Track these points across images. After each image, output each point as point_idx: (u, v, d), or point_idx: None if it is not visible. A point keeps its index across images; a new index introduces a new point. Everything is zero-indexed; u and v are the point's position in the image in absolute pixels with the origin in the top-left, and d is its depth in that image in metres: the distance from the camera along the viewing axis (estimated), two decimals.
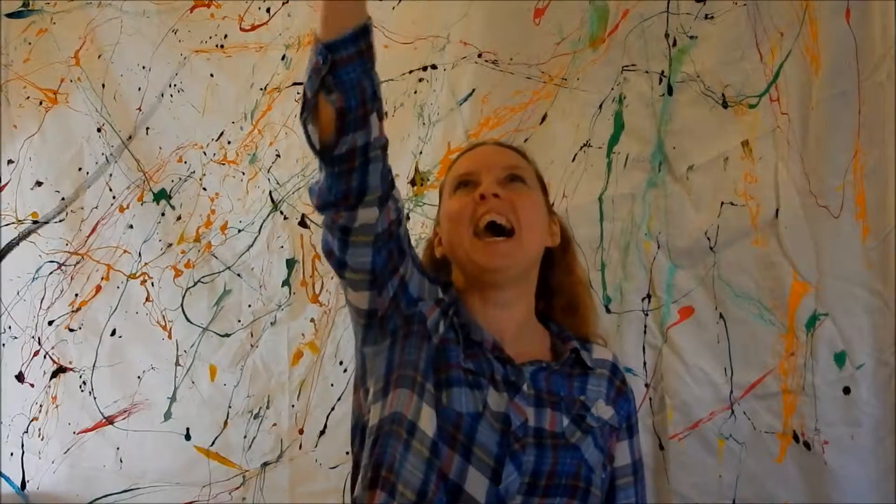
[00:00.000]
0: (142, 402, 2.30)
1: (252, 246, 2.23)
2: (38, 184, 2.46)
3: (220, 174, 2.28)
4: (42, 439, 2.39)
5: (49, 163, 2.46)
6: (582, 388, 1.14)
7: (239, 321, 2.22)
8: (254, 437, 2.17)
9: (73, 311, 2.40)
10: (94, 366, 2.36)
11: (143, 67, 2.37)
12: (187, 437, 2.24)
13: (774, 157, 1.78)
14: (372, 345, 1.10)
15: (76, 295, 2.40)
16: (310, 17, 2.21)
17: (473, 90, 2.02)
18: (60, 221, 2.43)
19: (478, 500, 1.01)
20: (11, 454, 2.41)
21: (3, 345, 2.45)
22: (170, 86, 2.35)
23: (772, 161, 1.78)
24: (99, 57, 2.42)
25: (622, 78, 1.91)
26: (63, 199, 2.43)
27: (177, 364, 2.27)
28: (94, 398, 2.35)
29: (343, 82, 0.96)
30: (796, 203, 1.75)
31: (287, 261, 2.19)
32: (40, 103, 2.48)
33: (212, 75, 2.30)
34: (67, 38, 2.46)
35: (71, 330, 2.40)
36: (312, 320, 2.15)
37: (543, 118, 1.96)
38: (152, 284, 2.32)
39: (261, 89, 2.25)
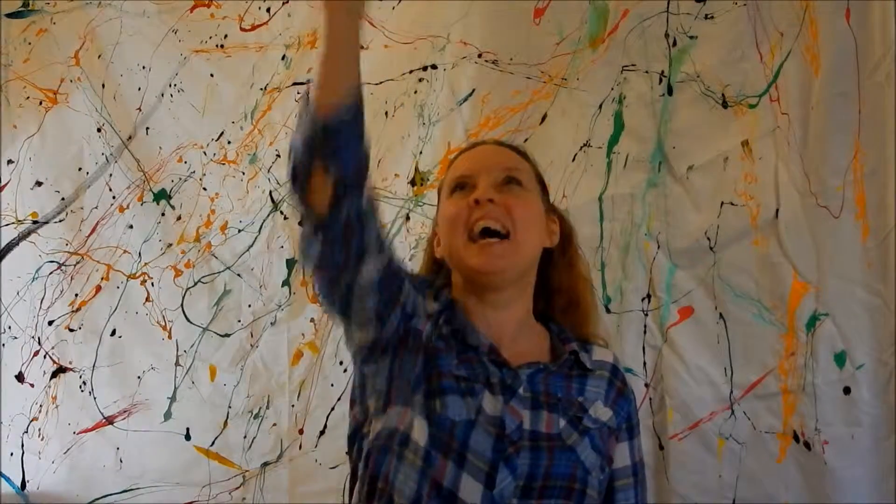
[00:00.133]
0: (142, 402, 2.30)
1: (252, 246, 2.23)
2: (38, 184, 2.46)
3: (221, 174, 2.28)
4: (42, 439, 2.38)
5: (49, 163, 2.46)
6: (581, 389, 1.14)
7: (239, 321, 2.22)
8: (254, 437, 2.17)
9: (73, 312, 2.40)
10: (94, 366, 2.36)
11: (143, 67, 2.37)
12: (187, 437, 2.24)
13: (774, 157, 1.78)
14: (373, 364, 1.10)
15: (76, 295, 2.40)
16: (310, 17, 2.21)
17: (473, 90, 2.02)
18: (60, 221, 2.43)
19: None
20: (11, 454, 2.41)
21: (3, 345, 2.45)
22: (170, 86, 2.35)
23: (772, 161, 1.78)
24: (99, 57, 2.42)
25: (622, 78, 1.91)
26: (63, 199, 2.43)
27: (177, 364, 2.27)
28: (94, 398, 2.35)
29: (342, 155, 0.94)
30: (796, 203, 1.75)
31: (287, 261, 2.19)
32: (40, 103, 2.48)
33: (212, 75, 2.30)
34: (67, 38, 2.46)
35: (71, 330, 2.39)
36: (312, 320, 2.15)
37: (543, 118, 1.96)
38: (152, 284, 2.32)
39: (261, 89, 2.25)
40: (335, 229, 0.96)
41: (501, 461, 1.03)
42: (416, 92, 2.09)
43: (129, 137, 2.38)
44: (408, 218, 2.06)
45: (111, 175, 2.39)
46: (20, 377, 2.42)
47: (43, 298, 2.43)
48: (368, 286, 1.00)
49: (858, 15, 1.72)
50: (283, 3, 2.25)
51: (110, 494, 2.29)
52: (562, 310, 1.23)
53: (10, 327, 2.45)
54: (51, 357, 2.40)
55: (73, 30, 2.45)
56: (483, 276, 1.12)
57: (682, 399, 1.81)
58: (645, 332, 1.85)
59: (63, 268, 2.42)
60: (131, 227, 2.36)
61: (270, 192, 2.22)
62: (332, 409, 2.09)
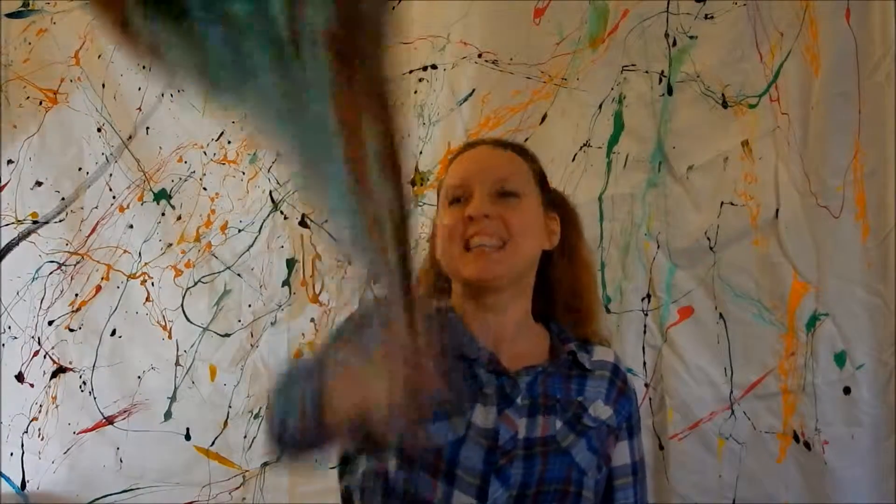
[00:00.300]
0: (142, 402, 2.30)
1: (252, 246, 2.23)
2: (38, 184, 2.46)
3: (221, 174, 2.28)
4: (42, 439, 2.38)
5: (49, 163, 2.46)
6: (580, 389, 1.13)
7: (239, 321, 2.22)
8: (254, 437, 2.17)
9: (73, 311, 2.40)
10: (94, 366, 2.36)
11: (143, 67, 2.36)
12: (187, 437, 2.24)
13: (774, 157, 1.78)
14: None
15: (76, 295, 2.40)
16: None
17: (473, 90, 2.02)
18: (60, 221, 2.43)
19: None
20: (11, 454, 2.41)
21: (3, 345, 2.45)
22: (170, 85, 2.35)
23: (772, 161, 1.78)
24: (99, 57, 2.42)
25: (622, 78, 1.91)
26: (63, 199, 2.43)
27: (177, 364, 2.27)
28: (94, 398, 2.35)
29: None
30: (796, 203, 1.75)
31: (287, 261, 2.19)
32: (40, 103, 2.48)
33: None
34: (67, 37, 2.46)
35: (71, 330, 2.39)
36: (312, 320, 2.15)
37: (543, 118, 1.96)
38: (152, 284, 2.32)
39: None
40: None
41: (493, 473, 1.02)
42: (416, 92, 2.09)
43: (130, 137, 2.38)
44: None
45: (111, 175, 2.39)
46: (20, 377, 2.42)
47: (43, 298, 2.43)
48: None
49: (858, 15, 1.72)
50: None
51: (110, 494, 2.29)
52: (563, 308, 1.22)
53: (10, 327, 2.45)
54: (51, 357, 2.40)
55: (73, 30, 2.45)
56: (478, 283, 1.12)
57: (682, 399, 1.81)
58: (645, 332, 1.85)
59: (63, 268, 2.42)
60: (131, 226, 2.36)
61: (270, 192, 2.22)
62: None
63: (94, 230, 2.40)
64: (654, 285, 1.85)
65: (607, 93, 1.91)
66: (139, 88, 2.37)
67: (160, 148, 2.35)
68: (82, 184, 2.42)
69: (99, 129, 2.41)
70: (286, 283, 2.19)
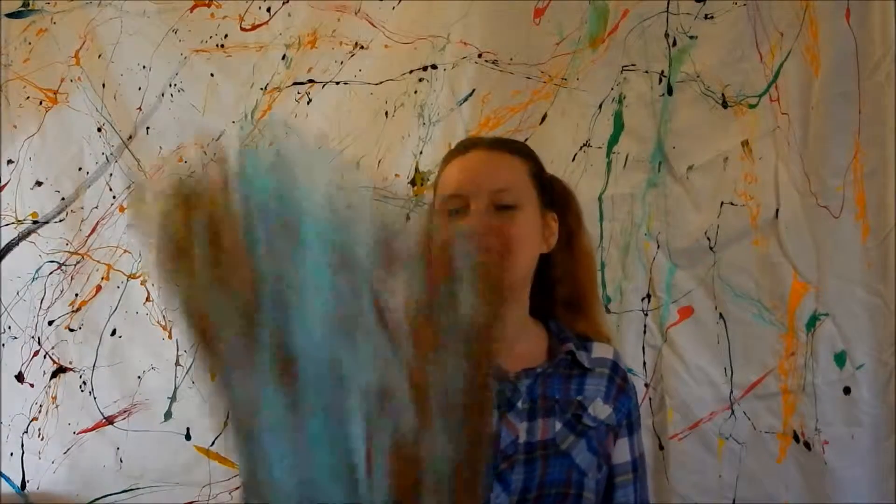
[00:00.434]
0: (142, 402, 2.30)
1: None
2: (38, 184, 2.46)
3: None
4: (42, 439, 2.38)
5: (49, 163, 2.46)
6: (579, 388, 1.13)
7: None
8: None
9: (73, 311, 2.40)
10: (94, 366, 2.36)
11: (144, 67, 2.36)
12: (187, 436, 2.24)
13: (774, 157, 1.78)
14: None
15: (76, 295, 2.40)
16: (310, 17, 2.21)
17: (473, 90, 2.02)
18: (60, 221, 2.43)
19: None
20: (11, 454, 2.41)
21: (3, 345, 2.44)
22: (170, 85, 2.34)
23: (772, 161, 1.78)
24: (99, 56, 2.42)
25: (622, 78, 1.91)
26: (63, 198, 2.43)
27: (177, 364, 2.27)
28: (94, 398, 2.34)
29: None
30: (796, 203, 1.75)
31: None
32: (40, 103, 2.48)
33: (212, 75, 2.30)
34: (67, 37, 2.46)
35: (71, 330, 2.39)
36: None
37: (543, 118, 1.96)
38: (153, 284, 2.32)
39: (261, 89, 2.25)
40: None
41: (494, 478, 1.02)
42: (416, 92, 2.09)
43: (130, 137, 2.38)
44: (408, 218, 2.05)
45: (111, 175, 2.39)
46: (20, 377, 2.42)
47: (43, 298, 2.42)
48: None
49: (858, 15, 1.72)
50: (284, 3, 2.25)
51: (110, 494, 2.29)
52: (563, 304, 1.21)
53: (10, 327, 2.45)
54: (51, 357, 2.40)
55: (73, 29, 2.45)
56: None
57: (682, 399, 1.81)
58: (645, 332, 1.85)
59: (63, 268, 2.42)
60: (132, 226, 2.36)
61: None
62: None
63: (94, 230, 2.40)
64: (654, 285, 1.85)
65: (607, 93, 1.91)
66: (139, 88, 2.37)
67: (160, 148, 2.35)
68: (82, 184, 2.42)
69: (99, 129, 2.41)
70: None
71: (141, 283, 2.34)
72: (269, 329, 0.55)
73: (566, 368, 1.14)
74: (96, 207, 2.40)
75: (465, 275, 0.59)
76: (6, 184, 2.49)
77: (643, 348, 1.84)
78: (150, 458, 2.27)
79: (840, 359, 1.72)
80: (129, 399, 2.31)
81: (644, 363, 1.84)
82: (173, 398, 2.27)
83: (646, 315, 1.85)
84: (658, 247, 1.86)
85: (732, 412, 1.77)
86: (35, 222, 2.45)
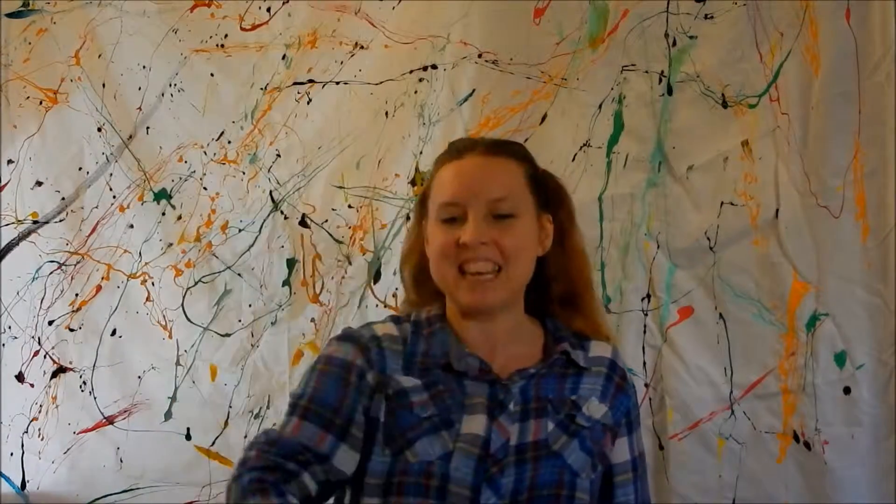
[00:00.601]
0: (142, 401, 2.30)
1: (252, 246, 2.23)
2: (39, 184, 2.46)
3: (221, 174, 2.28)
4: (42, 439, 2.38)
5: (49, 162, 2.46)
6: (574, 387, 1.13)
7: (239, 321, 2.22)
8: None
9: (73, 311, 2.40)
10: (94, 366, 2.36)
11: (144, 67, 2.37)
12: (188, 436, 2.24)
13: (774, 157, 1.78)
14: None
15: (76, 295, 2.40)
16: (310, 17, 2.21)
17: (473, 90, 2.02)
18: (60, 221, 2.43)
19: None
20: (11, 454, 2.41)
21: (3, 345, 2.45)
22: (170, 85, 2.35)
23: (772, 161, 1.78)
24: (99, 56, 2.42)
25: (622, 78, 1.91)
26: (63, 198, 2.43)
27: (177, 364, 2.27)
28: (95, 398, 2.35)
29: None
30: (796, 203, 1.75)
31: (287, 260, 2.19)
32: (40, 103, 2.48)
33: (212, 75, 2.30)
34: (67, 37, 2.46)
35: (71, 330, 2.40)
36: (313, 320, 2.15)
37: (543, 118, 1.96)
38: (153, 284, 2.32)
39: (261, 89, 2.25)
40: None
41: (484, 482, 1.02)
42: (416, 92, 2.09)
43: (130, 137, 2.38)
44: (408, 218, 2.06)
45: (111, 175, 2.39)
46: (20, 377, 2.42)
47: (43, 298, 2.43)
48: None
49: (858, 15, 1.72)
50: (284, 3, 2.25)
51: (111, 494, 2.29)
52: (559, 302, 1.20)
53: (10, 327, 2.45)
54: (51, 357, 2.41)
55: (73, 29, 2.45)
56: (475, 310, 1.11)
57: (682, 399, 1.81)
58: (645, 331, 1.85)
59: (63, 267, 2.42)
60: (132, 226, 2.36)
61: (271, 192, 2.22)
62: None
63: (94, 230, 2.40)
64: (654, 285, 1.85)
65: (607, 93, 1.91)
66: (139, 88, 2.37)
67: (160, 148, 2.35)
68: (82, 183, 2.42)
69: (99, 129, 2.41)
70: (286, 282, 2.19)
71: (141, 283, 2.34)
72: None
73: (561, 368, 1.14)
74: (96, 207, 2.40)
75: None
76: (6, 184, 2.49)
77: (643, 348, 1.84)
78: (150, 458, 2.27)
79: (840, 359, 1.72)
80: (130, 399, 2.31)
81: (644, 363, 1.84)
82: (173, 398, 2.27)
83: (646, 315, 1.85)
84: (658, 247, 1.86)
85: (732, 412, 1.77)
86: (35, 222, 2.45)
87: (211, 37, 2.31)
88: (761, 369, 1.77)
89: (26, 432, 2.41)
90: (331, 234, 2.15)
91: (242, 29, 2.29)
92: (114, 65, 2.40)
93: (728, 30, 1.83)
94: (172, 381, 2.27)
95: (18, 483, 2.40)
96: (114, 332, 2.35)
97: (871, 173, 1.70)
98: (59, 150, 2.46)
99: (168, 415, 2.27)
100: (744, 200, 1.79)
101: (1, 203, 2.48)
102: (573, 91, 1.94)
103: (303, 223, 2.18)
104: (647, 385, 1.83)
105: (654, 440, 1.81)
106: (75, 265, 2.41)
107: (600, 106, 1.92)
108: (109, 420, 2.32)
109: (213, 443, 2.21)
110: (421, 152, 2.07)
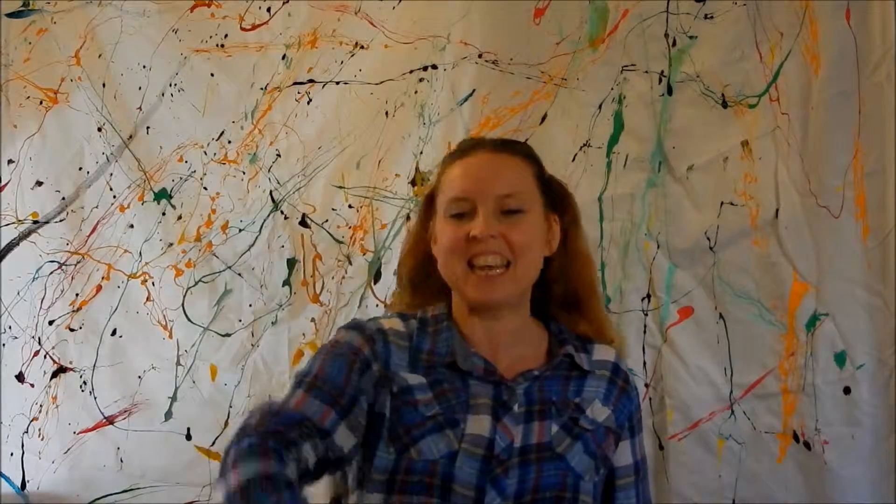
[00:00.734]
0: (142, 401, 2.30)
1: (253, 245, 2.23)
2: (39, 183, 2.46)
3: (221, 174, 2.28)
4: (42, 439, 2.39)
5: (49, 162, 2.46)
6: (578, 390, 1.13)
7: (240, 321, 2.22)
8: None
9: (73, 311, 2.40)
10: (94, 365, 2.36)
11: (144, 67, 2.37)
12: (188, 436, 2.24)
13: (774, 157, 1.78)
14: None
15: (77, 295, 2.40)
16: (310, 17, 2.21)
17: (474, 90, 2.02)
18: (61, 221, 2.43)
19: None
20: (11, 454, 2.41)
21: (3, 345, 2.45)
22: (170, 85, 2.35)
23: (772, 161, 1.78)
24: (99, 56, 2.42)
25: (622, 78, 1.91)
26: (63, 198, 2.43)
27: (177, 364, 2.27)
28: (95, 398, 2.35)
29: None
30: (796, 203, 1.75)
31: (288, 260, 2.19)
32: (41, 103, 2.48)
33: (212, 75, 2.30)
34: (68, 37, 2.46)
35: (71, 330, 2.40)
36: (313, 320, 2.15)
37: (543, 118, 1.96)
38: (153, 284, 2.32)
39: (261, 89, 2.25)
40: None
41: (488, 483, 1.02)
42: (416, 92, 2.09)
43: (130, 137, 2.38)
44: (408, 218, 2.06)
45: (112, 174, 2.39)
46: (20, 377, 2.42)
47: (43, 298, 2.43)
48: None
49: (858, 15, 1.72)
50: (284, 3, 2.25)
51: (111, 494, 2.29)
52: (562, 305, 1.20)
53: (10, 327, 2.45)
54: (51, 357, 2.41)
55: (73, 29, 2.45)
56: (483, 306, 1.11)
57: (682, 399, 1.81)
58: (645, 331, 1.85)
59: (63, 267, 2.42)
60: (132, 226, 2.36)
61: (271, 192, 2.22)
62: None
63: (94, 230, 2.40)
64: (654, 285, 1.85)
65: (607, 93, 1.91)
66: (139, 88, 2.37)
67: (160, 147, 2.35)
68: (83, 183, 2.42)
69: (99, 129, 2.41)
70: (287, 282, 2.19)
71: (141, 283, 2.34)
72: None
73: (565, 370, 1.13)
74: (97, 207, 2.40)
75: None
76: (6, 184, 2.49)
77: (643, 348, 1.84)
78: (150, 458, 2.27)
79: (840, 359, 1.72)
80: (130, 399, 2.31)
81: (644, 363, 1.84)
82: (174, 398, 2.27)
83: (646, 315, 1.85)
84: (658, 247, 1.86)
85: (732, 412, 1.78)
86: (35, 222, 2.45)
87: (211, 37, 2.31)
88: (761, 369, 1.77)
89: (26, 432, 2.41)
90: (331, 234, 2.15)
91: (242, 29, 2.29)
92: (114, 64, 2.40)
93: (728, 30, 1.83)
94: (173, 380, 2.28)
95: (18, 483, 2.40)
96: (114, 332, 2.36)
97: (871, 173, 1.71)
98: (59, 149, 2.46)
99: (168, 415, 2.27)
100: (744, 200, 1.80)
101: (1, 203, 2.48)
102: (573, 91, 1.94)
103: (303, 223, 2.19)
104: (647, 385, 1.83)
105: (654, 440, 1.81)
106: (75, 265, 2.41)
107: (600, 106, 1.92)
108: (110, 420, 2.33)
109: (214, 443, 2.21)
110: (421, 152, 2.07)
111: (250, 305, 2.22)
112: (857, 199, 1.72)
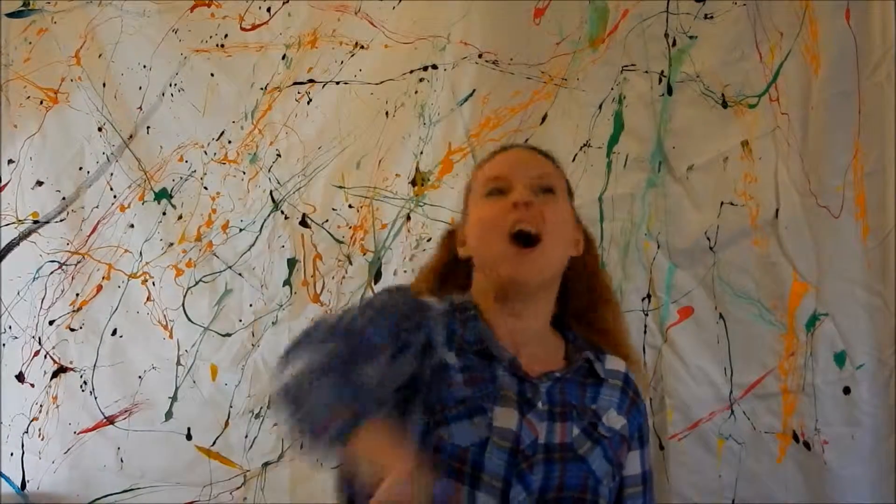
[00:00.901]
0: (143, 401, 2.30)
1: (253, 245, 2.23)
2: (39, 183, 2.46)
3: (221, 173, 2.29)
4: (42, 439, 2.39)
5: (50, 162, 2.46)
6: (594, 397, 1.14)
7: (240, 321, 2.22)
8: (255, 437, 2.17)
9: (73, 311, 2.40)
10: (94, 365, 2.36)
11: (144, 66, 2.37)
12: (188, 436, 2.24)
13: (774, 157, 1.78)
14: None
15: (77, 295, 2.40)
16: (310, 17, 2.21)
17: (474, 90, 2.02)
18: (61, 221, 2.44)
19: None
20: (11, 454, 2.41)
21: (4, 345, 2.45)
22: (170, 85, 2.35)
23: (772, 161, 1.78)
24: (99, 56, 2.42)
25: (622, 78, 1.91)
26: (64, 198, 2.44)
27: (178, 364, 2.27)
28: (95, 398, 2.35)
29: None
30: (796, 203, 1.75)
31: (288, 260, 2.19)
32: (41, 103, 2.48)
33: (212, 75, 2.31)
34: (68, 37, 2.46)
35: (72, 329, 2.40)
36: (313, 320, 2.15)
37: (543, 118, 1.96)
38: (153, 284, 2.32)
39: (261, 89, 2.26)
40: None
41: (514, 477, 1.02)
42: (416, 92, 2.09)
43: (130, 137, 2.38)
44: (408, 218, 2.06)
45: (112, 174, 2.39)
46: (20, 377, 2.42)
47: (44, 298, 2.43)
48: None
49: (858, 15, 1.72)
50: (284, 3, 2.25)
51: (111, 494, 2.29)
52: (575, 318, 1.21)
53: (10, 327, 2.45)
54: (51, 357, 2.41)
55: (73, 29, 2.45)
56: (515, 284, 1.12)
57: (682, 399, 1.81)
58: (645, 332, 1.85)
59: (64, 267, 2.42)
60: (132, 226, 2.36)
61: (271, 192, 2.22)
62: None
63: (94, 229, 2.40)
64: (654, 285, 1.85)
65: (607, 93, 1.92)
66: (140, 87, 2.37)
67: (161, 147, 2.35)
68: (83, 183, 2.42)
69: (100, 129, 2.41)
70: (287, 282, 2.19)
71: (142, 283, 2.34)
72: None
73: (582, 377, 1.14)
74: (97, 207, 2.40)
75: None
76: (7, 184, 2.49)
77: (643, 348, 1.84)
78: (150, 458, 2.27)
79: (840, 359, 1.72)
80: (130, 399, 2.31)
81: (644, 363, 1.84)
82: (174, 398, 2.27)
83: (646, 315, 1.85)
84: (658, 247, 1.86)
85: (732, 412, 1.78)
86: (36, 222, 2.45)
87: (211, 37, 2.31)
88: (761, 369, 1.77)
89: (26, 432, 2.41)
90: (331, 234, 2.15)
91: (242, 29, 2.29)
92: (114, 64, 2.41)
93: (728, 30, 1.83)
94: (173, 380, 2.28)
95: (18, 483, 2.40)
96: (114, 332, 2.36)
97: (871, 173, 1.71)
98: (59, 149, 2.46)
99: (169, 415, 2.27)
100: (744, 200, 1.80)
101: (1, 203, 2.48)
102: (573, 91, 1.94)
103: (303, 223, 2.19)
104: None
105: (654, 440, 1.81)
106: (76, 265, 2.41)
107: (600, 106, 1.92)
108: (110, 420, 2.33)
109: (214, 443, 2.21)
110: (421, 152, 2.07)
111: (251, 305, 2.22)
112: (857, 199, 1.72)
